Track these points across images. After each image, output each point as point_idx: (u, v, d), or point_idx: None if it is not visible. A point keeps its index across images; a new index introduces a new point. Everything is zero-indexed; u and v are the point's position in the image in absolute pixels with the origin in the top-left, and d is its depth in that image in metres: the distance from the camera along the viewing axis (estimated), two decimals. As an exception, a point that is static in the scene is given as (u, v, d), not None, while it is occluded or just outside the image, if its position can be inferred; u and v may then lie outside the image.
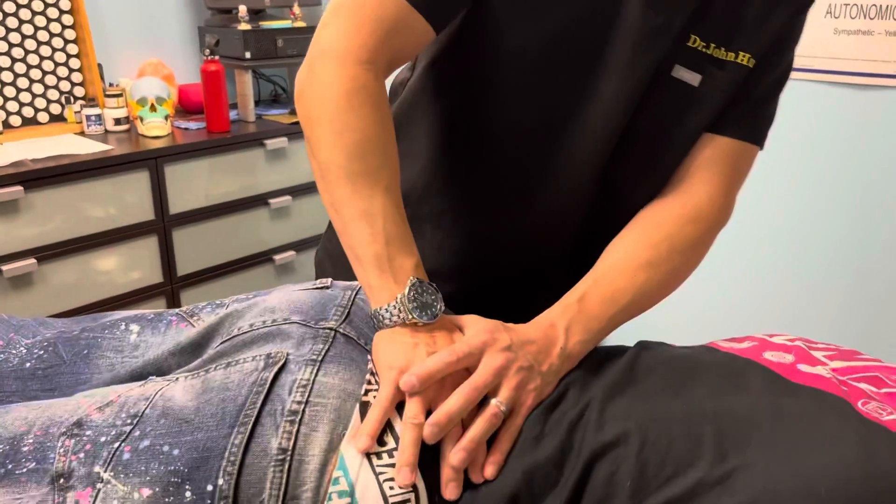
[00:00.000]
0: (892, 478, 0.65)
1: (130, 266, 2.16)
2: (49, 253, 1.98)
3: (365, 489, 0.66)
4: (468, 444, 0.67)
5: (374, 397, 0.71)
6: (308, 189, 2.55)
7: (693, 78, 0.85)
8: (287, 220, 2.52)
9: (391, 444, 0.68)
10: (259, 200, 2.42)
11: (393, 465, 0.67)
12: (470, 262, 0.97)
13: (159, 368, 0.84)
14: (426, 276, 0.77)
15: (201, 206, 2.28)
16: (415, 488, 0.67)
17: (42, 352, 0.87)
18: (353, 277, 0.81)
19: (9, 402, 0.84)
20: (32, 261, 1.94)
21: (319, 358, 0.73)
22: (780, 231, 2.00)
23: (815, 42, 1.74)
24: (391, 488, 0.66)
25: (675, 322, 2.31)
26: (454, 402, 0.68)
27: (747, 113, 0.89)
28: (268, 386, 0.70)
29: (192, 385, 0.74)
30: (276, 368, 0.72)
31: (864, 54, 1.70)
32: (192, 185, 2.25)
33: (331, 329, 0.77)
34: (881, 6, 1.66)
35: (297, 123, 2.48)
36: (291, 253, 2.55)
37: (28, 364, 0.86)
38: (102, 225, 2.08)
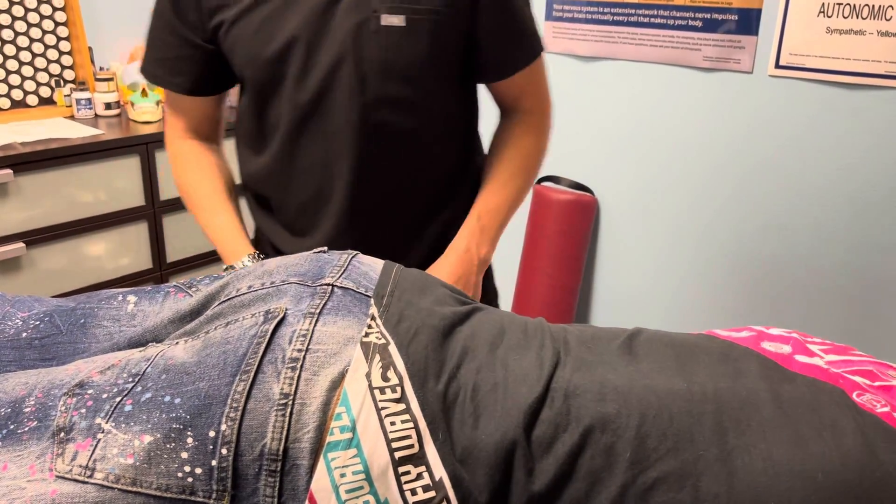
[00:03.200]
0: (886, 468, 0.66)
1: (120, 252, 2.15)
2: (38, 237, 1.97)
3: (366, 424, 0.67)
4: None
5: (376, 338, 0.73)
6: (299, 178, 2.54)
7: (398, 20, 1.06)
8: (277, 209, 2.51)
9: (394, 379, 0.69)
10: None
11: (396, 401, 0.68)
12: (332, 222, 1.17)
13: (157, 336, 0.84)
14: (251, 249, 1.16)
15: (192, 193, 2.26)
16: (415, 425, 0.68)
17: (38, 322, 0.87)
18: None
19: (6, 370, 0.84)
20: (21, 245, 1.93)
21: (317, 311, 0.75)
22: (769, 229, 2.02)
23: (808, 41, 1.76)
24: (392, 423, 0.67)
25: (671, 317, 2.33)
26: None
27: (509, 47, 1.14)
28: (268, 337, 0.72)
29: (193, 345, 0.75)
30: (275, 322, 0.73)
31: (856, 54, 1.72)
32: (183, 171, 2.23)
33: (328, 285, 0.79)
34: (873, 6, 1.68)
35: (289, 111, 2.47)
36: (281, 241, 2.54)
37: (24, 334, 0.86)
38: (92, 210, 2.06)
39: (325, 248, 0.90)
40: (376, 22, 1.03)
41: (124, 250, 2.16)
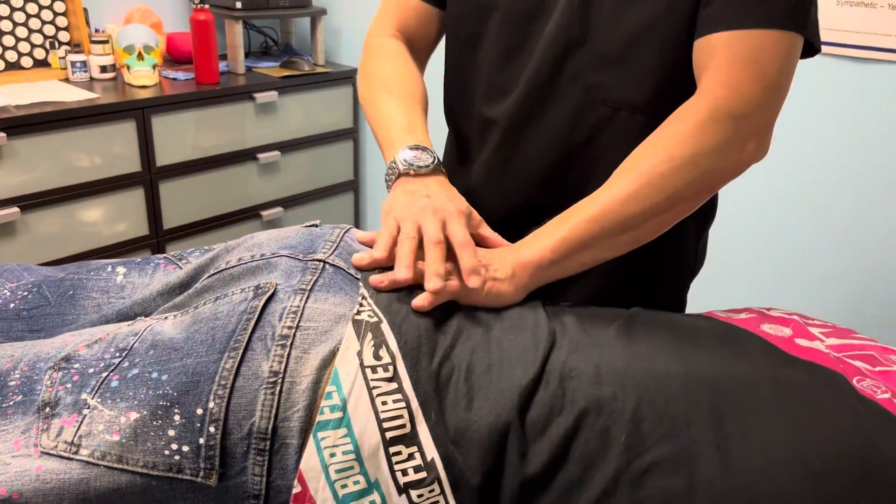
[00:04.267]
0: (883, 455, 0.65)
1: (116, 218, 2.13)
2: (32, 202, 1.95)
3: (357, 403, 0.66)
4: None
5: (368, 316, 0.71)
6: (297, 145, 2.51)
7: None
8: (275, 176, 2.49)
9: (386, 358, 0.68)
10: (247, 155, 2.39)
11: (388, 380, 0.67)
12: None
13: (146, 309, 0.83)
14: (429, 145, 0.91)
15: (189, 159, 2.24)
16: (408, 404, 0.66)
17: (26, 293, 0.86)
18: None
19: None
20: (15, 209, 1.91)
21: (308, 287, 0.74)
22: (780, 206, 1.99)
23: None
24: (384, 403, 0.66)
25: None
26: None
27: (724, 3, 0.80)
28: (258, 313, 0.70)
29: (182, 321, 0.73)
30: (265, 297, 0.72)
31: (866, 27, 1.69)
32: (180, 137, 2.21)
33: (319, 260, 0.78)
34: (886, -22, 1.64)
35: (287, 77, 2.43)
36: (279, 209, 2.52)
37: (12, 305, 0.85)
38: (88, 175, 2.04)
39: (318, 222, 0.88)
40: None
41: (120, 217, 2.14)
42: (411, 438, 0.66)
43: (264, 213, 2.48)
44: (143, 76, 2.20)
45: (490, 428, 0.66)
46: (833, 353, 0.76)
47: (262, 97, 2.35)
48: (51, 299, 0.84)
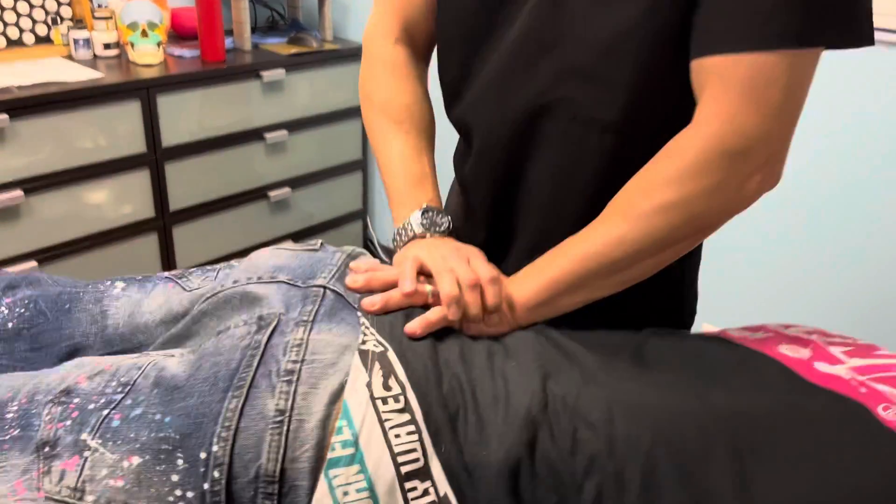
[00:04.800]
0: None
1: (121, 200, 2.10)
2: (36, 185, 1.92)
3: (370, 437, 0.63)
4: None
5: (373, 345, 0.69)
6: (305, 124, 2.47)
7: None
8: (283, 156, 2.45)
9: (396, 389, 0.66)
10: (254, 135, 2.35)
11: (399, 411, 0.64)
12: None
13: (149, 335, 0.81)
14: (440, 205, 0.91)
15: (195, 140, 2.20)
16: (420, 437, 0.64)
17: (23, 310, 0.84)
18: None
19: None
20: (19, 192, 1.88)
21: (310, 318, 0.71)
22: (823, 191, 1.95)
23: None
24: (397, 436, 0.64)
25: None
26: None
27: (715, 19, 0.72)
28: (262, 348, 0.67)
29: (188, 360, 0.71)
30: (269, 330, 0.69)
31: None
32: (186, 117, 2.17)
33: (320, 287, 0.75)
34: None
35: (295, 55, 2.38)
36: (287, 190, 2.49)
37: (11, 324, 0.83)
38: (92, 157, 2.01)
39: (318, 243, 0.85)
40: None
41: (126, 198, 2.11)
42: (425, 473, 0.63)
43: (272, 193, 2.45)
44: (148, 54, 2.16)
45: (501, 464, 0.64)
46: (857, 375, 0.73)
47: (269, 75, 2.30)
48: (48, 315, 0.82)
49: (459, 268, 0.79)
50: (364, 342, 0.69)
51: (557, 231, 0.83)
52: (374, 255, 2.91)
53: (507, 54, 0.83)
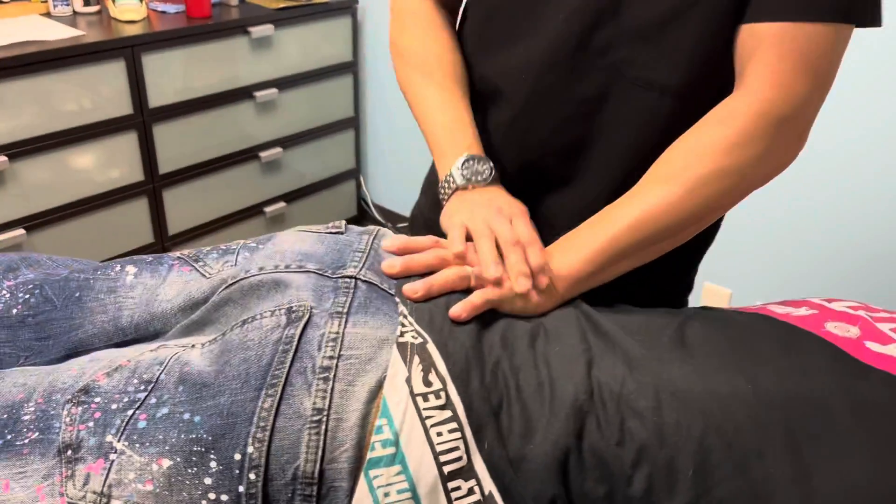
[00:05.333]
0: None
1: (109, 163, 2.03)
2: (20, 150, 1.85)
3: (410, 436, 0.61)
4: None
5: (412, 337, 0.66)
6: (296, 81, 2.39)
7: None
8: (273, 115, 2.38)
9: (437, 384, 0.63)
10: (244, 93, 2.27)
11: (441, 407, 0.62)
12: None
13: (166, 324, 0.76)
14: (480, 151, 0.87)
15: (182, 100, 2.12)
16: (462, 434, 0.61)
17: (28, 295, 0.79)
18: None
19: (1, 352, 0.76)
20: (3, 158, 1.81)
21: (345, 310, 0.67)
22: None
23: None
24: (438, 434, 0.61)
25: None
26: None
27: None
28: (295, 343, 0.64)
29: (211, 350, 0.67)
30: (301, 324, 0.65)
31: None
32: (172, 76, 2.08)
33: (350, 277, 0.71)
34: None
35: (284, 9, 2.29)
36: (278, 150, 2.42)
37: (15, 311, 0.78)
38: (77, 119, 1.93)
39: (343, 225, 0.80)
40: None
41: (113, 162, 2.04)
42: (469, 471, 0.61)
43: (263, 154, 2.38)
44: (130, 10, 2.06)
45: (548, 457, 0.61)
46: (909, 356, 0.70)
47: (257, 31, 2.21)
48: (56, 302, 0.77)
49: (500, 228, 0.77)
50: (402, 334, 0.65)
51: (606, 192, 0.84)
52: (367, 214, 2.86)
53: (563, 19, 0.81)
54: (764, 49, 0.73)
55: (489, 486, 0.61)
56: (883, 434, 0.62)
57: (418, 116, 0.92)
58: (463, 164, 0.84)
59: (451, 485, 0.60)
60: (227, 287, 0.72)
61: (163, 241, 2.22)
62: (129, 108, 2.02)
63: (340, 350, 0.63)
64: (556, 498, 0.61)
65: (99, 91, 1.95)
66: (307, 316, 0.65)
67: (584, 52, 0.81)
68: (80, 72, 1.90)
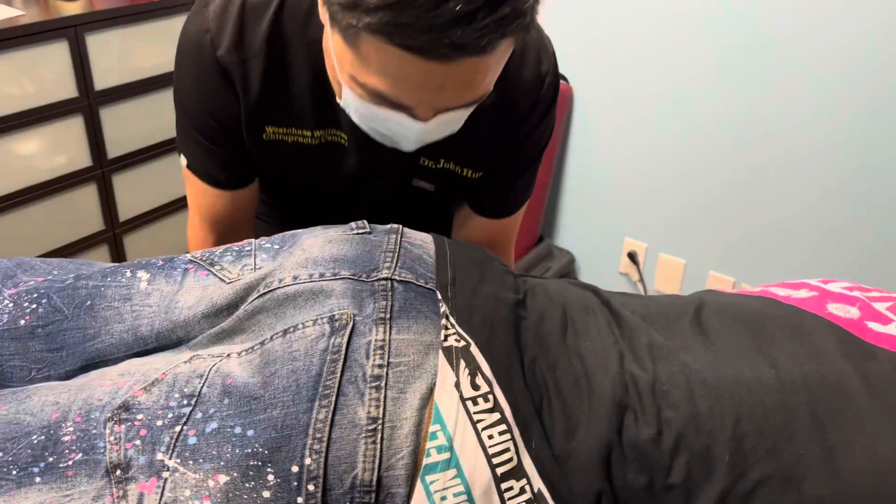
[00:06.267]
0: None
1: (55, 149, 1.94)
2: (-39, 138, 1.75)
3: (464, 440, 0.62)
4: None
5: (455, 340, 0.66)
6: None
7: (429, 186, 1.06)
8: (223, 94, 2.31)
9: (484, 387, 0.64)
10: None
11: (489, 410, 0.63)
12: None
13: (189, 333, 0.74)
14: None
15: (130, 81, 2.04)
16: (511, 435, 0.63)
17: (34, 305, 0.76)
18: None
19: (10, 365, 0.74)
20: (-58, 148, 1.71)
21: (388, 315, 0.67)
22: (763, 111, 1.97)
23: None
24: (490, 437, 0.62)
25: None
26: None
27: (497, 198, 1.12)
28: (344, 352, 0.64)
29: (250, 360, 0.66)
30: (347, 332, 0.65)
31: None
32: (119, 57, 2.00)
33: (386, 279, 0.71)
34: None
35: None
36: (229, 129, 2.35)
37: (23, 322, 0.75)
38: (18, 104, 1.83)
39: (366, 224, 0.80)
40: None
41: (59, 148, 1.95)
42: (519, 471, 0.62)
43: (213, 134, 2.31)
44: (69, -13, 1.96)
45: (593, 453, 0.63)
46: (906, 335, 0.75)
47: (204, 7, 2.13)
48: (66, 311, 0.75)
49: None
50: (446, 338, 0.66)
51: None
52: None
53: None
54: (479, 233, 1.14)
55: (538, 483, 0.62)
56: None
57: None
58: None
59: (504, 485, 0.61)
60: (259, 296, 0.71)
61: (114, 228, 2.15)
62: (73, 91, 1.93)
63: (389, 358, 0.64)
64: (602, 493, 0.63)
65: (41, 74, 1.85)
66: (351, 324, 0.65)
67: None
68: (20, 54, 1.80)
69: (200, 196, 1.05)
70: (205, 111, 0.97)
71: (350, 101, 0.80)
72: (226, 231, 1.08)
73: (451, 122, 0.81)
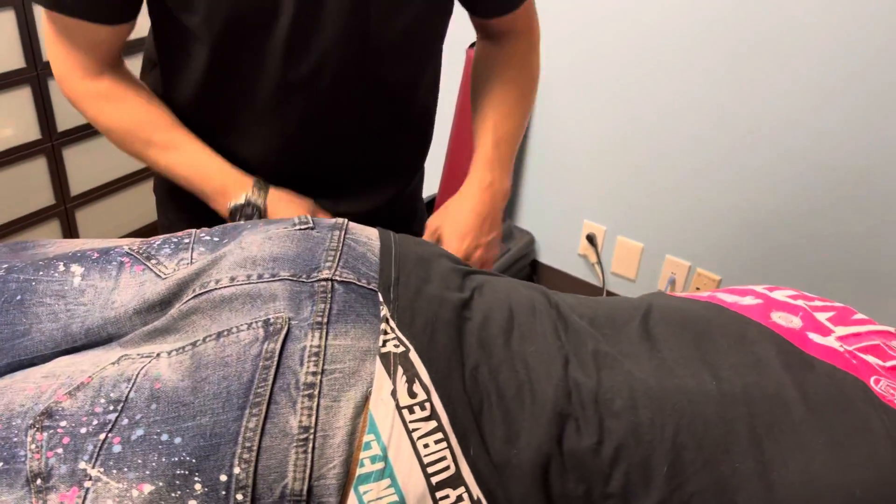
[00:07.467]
0: None
1: (2, 122, 1.88)
2: None
3: (398, 450, 0.61)
4: None
5: (394, 346, 0.65)
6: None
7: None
8: (179, 66, 2.25)
9: (421, 394, 0.64)
10: (140, 43, 2.13)
11: (426, 419, 0.63)
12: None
13: (120, 329, 0.72)
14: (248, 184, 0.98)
15: (80, 51, 1.98)
16: (448, 444, 0.63)
17: None
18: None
19: None
20: None
21: (325, 319, 0.66)
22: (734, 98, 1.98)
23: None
24: (425, 446, 0.62)
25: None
26: None
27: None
28: (276, 359, 0.63)
29: (181, 362, 0.64)
30: (281, 337, 0.64)
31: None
32: (69, 26, 1.93)
33: (326, 280, 0.69)
34: None
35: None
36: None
37: None
38: (-38, 75, 1.77)
39: (309, 219, 0.78)
40: None
41: (6, 120, 1.89)
42: (457, 479, 0.62)
43: (169, 107, 2.26)
44: (16, -49, 1.88)
45: (532, 462, 0.63)
46: (846, 346, 0.76)
47: (159, -24, 2.07)
48: None
49: None
50: (384, 343, 0.65)
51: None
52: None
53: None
54: (523, 11, 1.12)
55: (476, 491, 0.62)
56: (834, 425, 0.67)
57: (185, 173, 0.98)
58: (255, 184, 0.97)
59: (439, 494, 0.61)
60: (195, 296, 0.69)
61: (65, 203, 2.10)
62: (21, 62, 1.87)
63: (324, 365, 0.63)
64: (539, 502, 0.64)
65: (-13, 43, 1.79)
66: (286, 328, 0.64)
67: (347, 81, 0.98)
68: (-36, 21, 1.73)
69: (73, 40, 0.95)
70: None
71: None
72: (112, 71, 0.98)
73: None
